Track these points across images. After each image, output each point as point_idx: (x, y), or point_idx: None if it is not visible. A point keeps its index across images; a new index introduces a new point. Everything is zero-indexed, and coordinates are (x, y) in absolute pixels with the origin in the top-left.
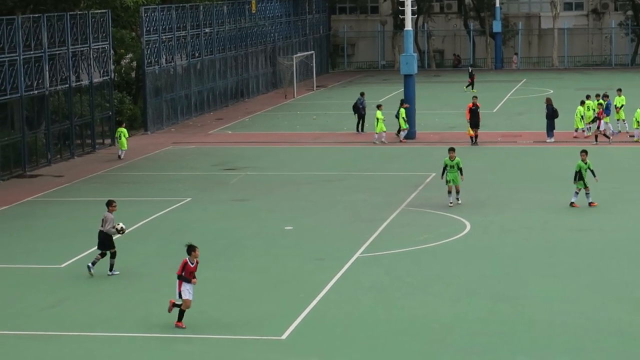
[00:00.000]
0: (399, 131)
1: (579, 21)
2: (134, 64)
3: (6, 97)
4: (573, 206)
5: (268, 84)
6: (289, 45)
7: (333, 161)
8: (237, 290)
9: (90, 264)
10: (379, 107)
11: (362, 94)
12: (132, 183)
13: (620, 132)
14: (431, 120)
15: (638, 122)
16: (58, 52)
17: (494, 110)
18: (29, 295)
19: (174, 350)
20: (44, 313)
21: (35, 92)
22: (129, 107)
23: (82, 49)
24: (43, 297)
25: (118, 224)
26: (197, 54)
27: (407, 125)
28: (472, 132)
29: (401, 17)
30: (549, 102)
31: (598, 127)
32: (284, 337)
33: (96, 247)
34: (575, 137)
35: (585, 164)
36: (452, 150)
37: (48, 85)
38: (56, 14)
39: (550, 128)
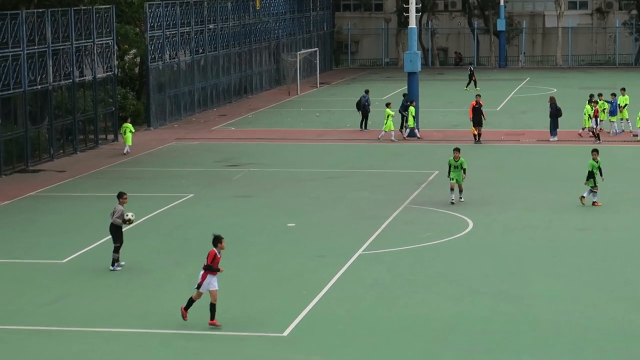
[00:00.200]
0: (402, 126)
1: (583, 20)
2: (138, 59)
3: (9, 92)
4: (596, 205)
5: (271, 80)
6: (292, 42)
7: (336, 158)
8: (239, 287)
9: (112, 268)
10: (388, 105)
11: (366, 92)
12: (135, 179)
13: (624, 131)
14: (435, 118)
15: None
16: (62, 47)
17: (498, 109)
18: (31, 290)
19: (175, 347)
20: (46, 308)
21: (39, 87)
22: (132, 102)
23: (85, 44)
24: (45, 292)
25: (127, 214)
26: (200, 50)
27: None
28: (475, 131)
29: (405, 14)
30: (552, 101)
31: (596, 125)
32: (285, 334)
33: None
34: (579, 134)
35: (597, 162)
36: (457, 150)
37: (51, 81)
38: (60, 9)
39: (554, 127)
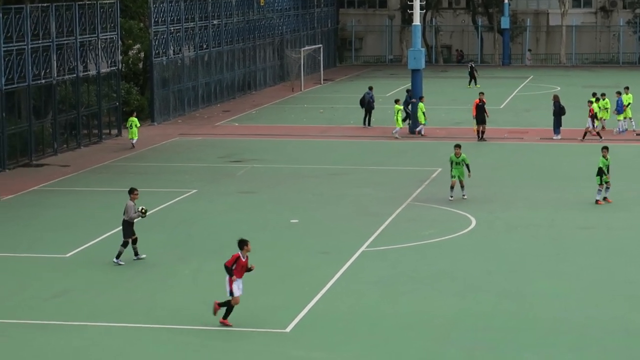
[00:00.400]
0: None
1: (587, 19)
2: (142, 54)
3: (14, 86)
4: (598, 204)
5: (275, 76)
6: (296, 38)
7: (339, 155)
8: (243, 283)
9: (134, 257)
10: (397, 101)
11: (370, 88)
12: (139, 174)
13: (627, 130)
14: (438, 116)
15: None
16: (66, 41)
17: (501, 107)
18: (34, 284)
19: (178, 342)
20: (49, 303)
21: (43, 81)
22: (136, 97)
23: (90, 39)
24: (48, 286)
25: (140, 208)
26: (205, 46)
27: (426, 121)
28: (476, 128)
29: (409, 11)
30: (556, 99)
31: (594, 125)
32: (288, 330)
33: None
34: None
35: (607, 160)
36: (457, 146)
37: (55, 75)
38: (64, 3)
39: (557, 125)
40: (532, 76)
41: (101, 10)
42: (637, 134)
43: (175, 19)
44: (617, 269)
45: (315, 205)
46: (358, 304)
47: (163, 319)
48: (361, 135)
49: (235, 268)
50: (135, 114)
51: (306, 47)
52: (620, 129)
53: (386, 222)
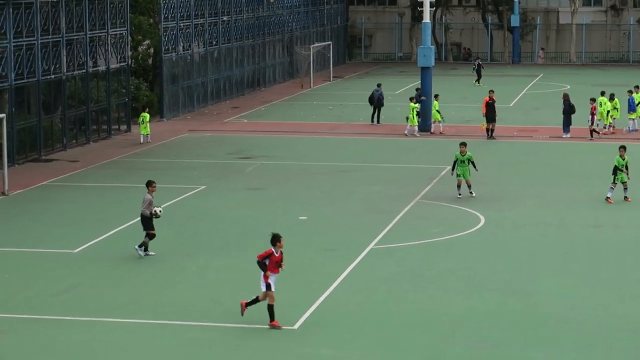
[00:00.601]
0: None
1: (597, 17)
2: (151, 50)
3: (23, 81)
4: (608, 201)
5: (285, 73)
6: (306, 35)
7: (348, 152)
8: (251, 279)
9: (136, 248)
10: (412, 99)
11: (379, 85)
12: (148, 169)
13: (637, 129)
14: (448, 114)
15: None
16: (76, 37)
17: (511, 105)
18: (42, 280)
19: (186, 338)
20: (57, 298)
21: (52, 76)
22: (145, 93)
23: (99, 34)
24: (56, 282)
25: (155, 209)
26: (214, 42)
27: (443, 119)
28: (485, 126)
29: (419, 9)
30: (566, 98)
31: (592, 122)
32: (296, 327)
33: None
34: (612, 132)
35: (623, 159)
36: (463, 144)
37: (65, 70)
38: None
39: (567, 123)
40: (541, 74)
41: (111, 5)
42: None
43: (185, 15)
44: (625, 268)
45: (324, 202)
46: (366, 302)
47: (171, 315)
48: (370, 132)
49: (269, 264)
50: (147, 109)
51: (316, 44)
52: (631, 128)
53: (395, 220)
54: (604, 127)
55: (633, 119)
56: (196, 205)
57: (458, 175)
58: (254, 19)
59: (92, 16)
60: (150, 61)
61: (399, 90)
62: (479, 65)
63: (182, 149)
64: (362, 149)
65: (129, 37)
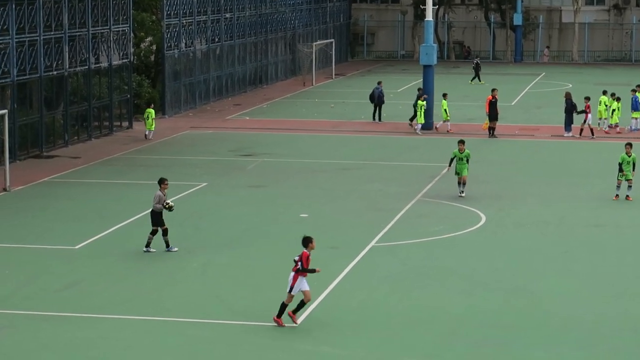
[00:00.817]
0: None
1: (600, 16)
2: (154, 47)
3: (25, 77)
4: (615, 199)
5: (287, 71)
6: (309, 33)
7: (350, 150)
8: (252, 276)
9: (165, 249)
10: (423, 96)
11: (379, 83)
12: (149, 166)
13: (638, 129)
14: (450, 112)
15: None
16: (78, 33)
17: (513, 104)
18: (43, 276)
19: (186, 335)
20: (58, 294)
21: (55, 73)
22: (147, 90)
23: (102, 31)
24: (57, 278)
25: (167, 202)
26: (217, 39)
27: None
28: (487, 125)
29: (422, 7)
30: (568, 97)
31: (585, 121)
32: (297, 324)
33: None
34: (606, 132)
35: (630, 157)
36: (461, 142)
37: (67, 67)
38: None
39: (569, 122)
40: (544, 73)
41: (113, 2)
42: None
43: (188, 12)
44: (626, 267)
45: (325, 200)
46: (367, 299)
47: (172, 311)
48: (372, 130)
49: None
50: (152, 105)
51: (318, 42)
52: (633, 127)
53: (396, 218)
54: (609, 126)
55: (636, 118)
56: (197, 202)
57: (457, 173)
58: (257, 16)
59: (95, 12)
60: (152, 58)
61: (401, 88)
62: (477, 64)
63: (183, 146)
64: (363, 147)
65: (132, 34)
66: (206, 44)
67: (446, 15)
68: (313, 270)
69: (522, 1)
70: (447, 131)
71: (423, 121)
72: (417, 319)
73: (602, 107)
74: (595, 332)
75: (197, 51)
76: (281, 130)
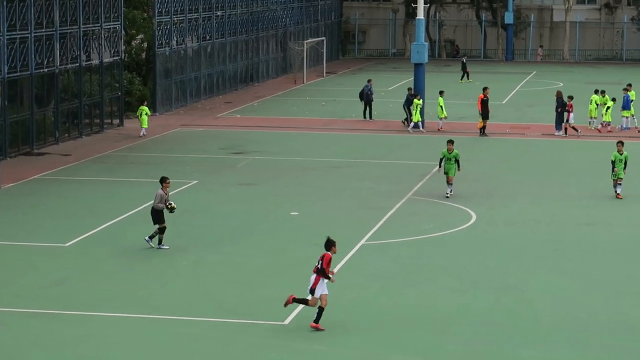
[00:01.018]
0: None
1: (591, 15)
2: (145, 45)
3: (16, 75)
4: (618, 197)
5: (278, 68)
6: (300, 31)
7: (341, 148)
8: (242, 274)
9: (147, 238)
10: (416, 96)
11: (369, 81)
12: (140, 164)
13: (630, 127)
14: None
15: None
16: (69, 30)
17: (504, 102)
18: (33, 273)
19: (176, 333)
20: (47, 291)
21: (46, 70)
22: (138, 87)
23: (93, 28)
24: (46, 275)
25: (169, 202)
26: (208, 37)
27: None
28: (481, 124)
29: (413, 5)
30: (559, 95)
31: (567, 120)
32: (286, 322)
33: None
34: (598, 130)
35: (621, 154)
36: (450, 142)
37: (58, 64)
38: None
39: (560, 121)
40: (535, 72)
41: None
42: (639, 131)
43: (179, 9)
44: (617, 265)
45: (315, 198)
46: (358, 298)
47: (162, 309)
48: (363, 128)
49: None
50: (145, 102)
51: (309, 40)
52: (624, 126)
53: (386, 216)
54: (602, 124)
55: (627, 117)
56: (188, 200)
57: (446, 173)
58: (248, 14)
59: (86, 10)
60: (143, 55)
61: (392, 86)
62: (463, 63)
63: (174, 144)
64: (354, 145)
65: (123, 31)
66: (197, 41)
67: (437, 13)
68: (328, 276)
69: (513, 0)
70: (438, 129)
71: (420, 119)
72: (408, 317)
73: (593, 106)
74: (586, 330)
75: (189, 49)
76: (272, 128)
